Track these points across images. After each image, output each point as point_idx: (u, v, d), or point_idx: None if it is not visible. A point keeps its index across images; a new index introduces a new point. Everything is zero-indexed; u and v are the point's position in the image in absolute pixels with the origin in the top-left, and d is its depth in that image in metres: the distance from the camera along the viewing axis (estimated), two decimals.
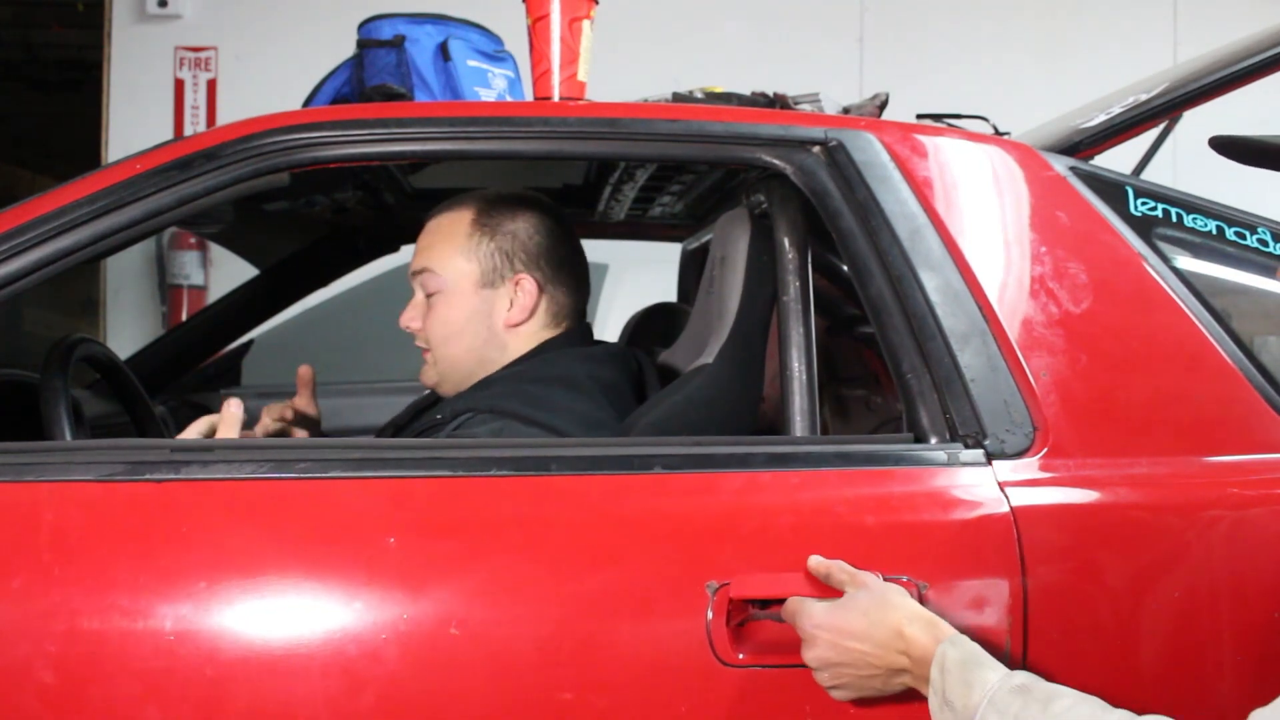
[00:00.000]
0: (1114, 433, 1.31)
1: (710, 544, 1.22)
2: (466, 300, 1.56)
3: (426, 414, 1.59)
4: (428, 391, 1.75)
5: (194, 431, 1.45)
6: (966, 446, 1.27)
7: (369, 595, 1.17)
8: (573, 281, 1.62)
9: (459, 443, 1.33)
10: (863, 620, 1.10)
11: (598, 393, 1.53)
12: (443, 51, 1.72)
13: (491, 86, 1.77)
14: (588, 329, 1.67)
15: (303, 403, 1.67)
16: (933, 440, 1.28)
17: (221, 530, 1.20)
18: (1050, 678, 1.07)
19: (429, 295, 1.58)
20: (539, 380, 1.51)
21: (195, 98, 4.15)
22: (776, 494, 1.25)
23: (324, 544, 1.20)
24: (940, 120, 1.63)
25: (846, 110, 1.62)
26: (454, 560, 1.20)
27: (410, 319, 1.60)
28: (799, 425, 1.37)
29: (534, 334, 1.58)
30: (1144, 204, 1.46)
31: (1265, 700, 1.01)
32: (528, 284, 1.57)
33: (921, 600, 1.17)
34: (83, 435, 1.68)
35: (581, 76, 1.61)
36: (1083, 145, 1.58)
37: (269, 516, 1.22)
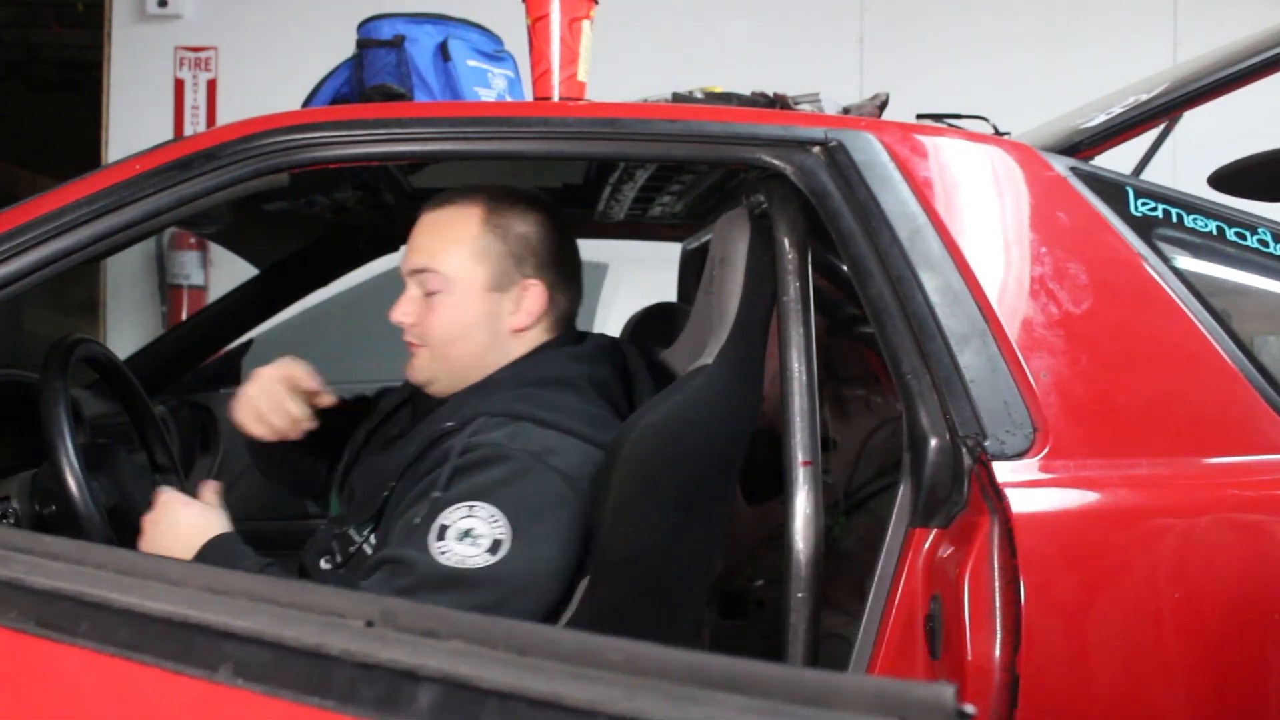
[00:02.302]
0: (1114, 433, 1.31)
1: None
2: (475, 303, 1.52)
3: (426, 423, 1.54)
4: (395, 392, 1.73)
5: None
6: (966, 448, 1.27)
7: None
8: (575, 285, 1.61)
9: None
10: None
11: (593, 391, 1.52)
12: (442, 51, 1.72)
13: (491, 86, 1.77)
14: (574, 325, 1.65)
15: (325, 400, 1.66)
16: (933, 441, 1.28)
17: None
18: (1046, 680, 1.07)
19: (430, 293, 1.53)
20: (539, 383, 1.50)
21: (195, 98, 4.15)
22: None
23: None
24: (940, 120, 1.63)
25: (846, 110, 1.62)
26: None
27: (404, 314, 1.54)
28: (799, 426, 1.37)
29: (534, 339, 1.56)
30: (1144, 204, 1.46)
31: (1265, 700, 1.00)
32: (537, 289, 1.54)
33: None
34: (83, 435, 1.68)
35: (581, 76, 1.61)
36: (1083, 145, 1.59)
37: None
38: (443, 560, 1.30)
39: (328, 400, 1.65)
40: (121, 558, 0.81)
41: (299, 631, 0.67)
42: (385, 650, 0.65)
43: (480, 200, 1.55)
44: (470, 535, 1.32)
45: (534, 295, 1.54)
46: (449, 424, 1.47)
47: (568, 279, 1.59)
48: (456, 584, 1.30)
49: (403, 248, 2.49)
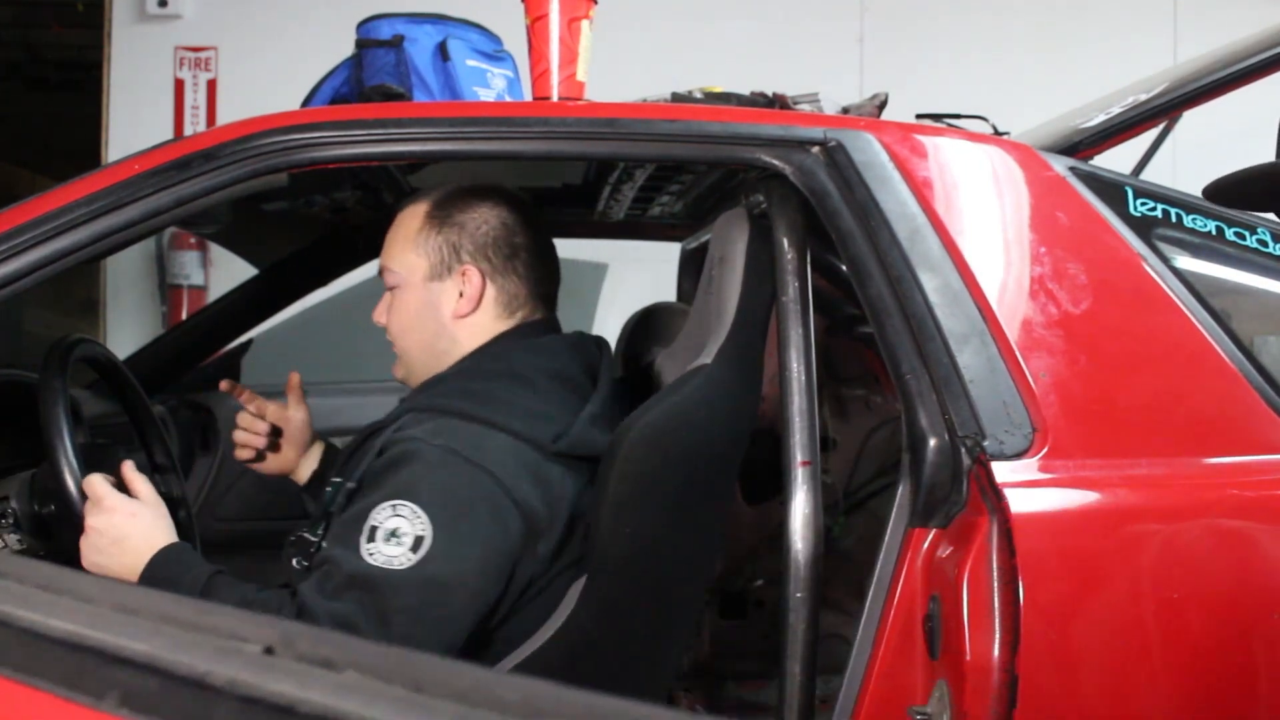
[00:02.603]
0: (1113, 434, 1.30)
1: None
2: (417, 293, 1.57)
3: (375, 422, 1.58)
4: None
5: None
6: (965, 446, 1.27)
7: None
8: (527, 271, 1.59)
9: None
10: None
11: (545, 385, 1.51)
12: (441, 51, 1.72)
13: (490, 86, 1.76)
14: (549, 320, 1.64)
15: (285, 410, 1.75)
16: (932, 442, 1.28)
17: None
18: (1045, 681, 1.07)
19: (390, 290, 1.60)
20: (483, 375, 1.51)
21: (195, 98, 4.14)
22: None
23: None
24: (940, 120, 1.63)
25: (846, 110, 1.62)
26: None
27: (378, 314, 1.62)
28: (798, 426, 1.37)
29: (485, 325, 1.57)
30: (1144, 204, 1.46)
31: (1264, 702, 1.00)
32: (472, 274, 1.55)
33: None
34: (83, 435, 1.68)
35: (580, 76, 1.61)
36: (1083, 145, 1.58)
37: None
38: (370, 561, 1.32)
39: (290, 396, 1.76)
40: (41, 571, 0.79)
41: (191, 658, 0.62)
42: (273, 682, 0.60)
43: (429, 196, 1.61)
44: (396, 535, 1.33)
45: (471, 281, 1.56)
46: (379, 421, 1.50)
47: (518, 264, 1.58)
48: (380, 585, 1.31)
49: None
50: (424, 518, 1.33)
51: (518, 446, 1.41)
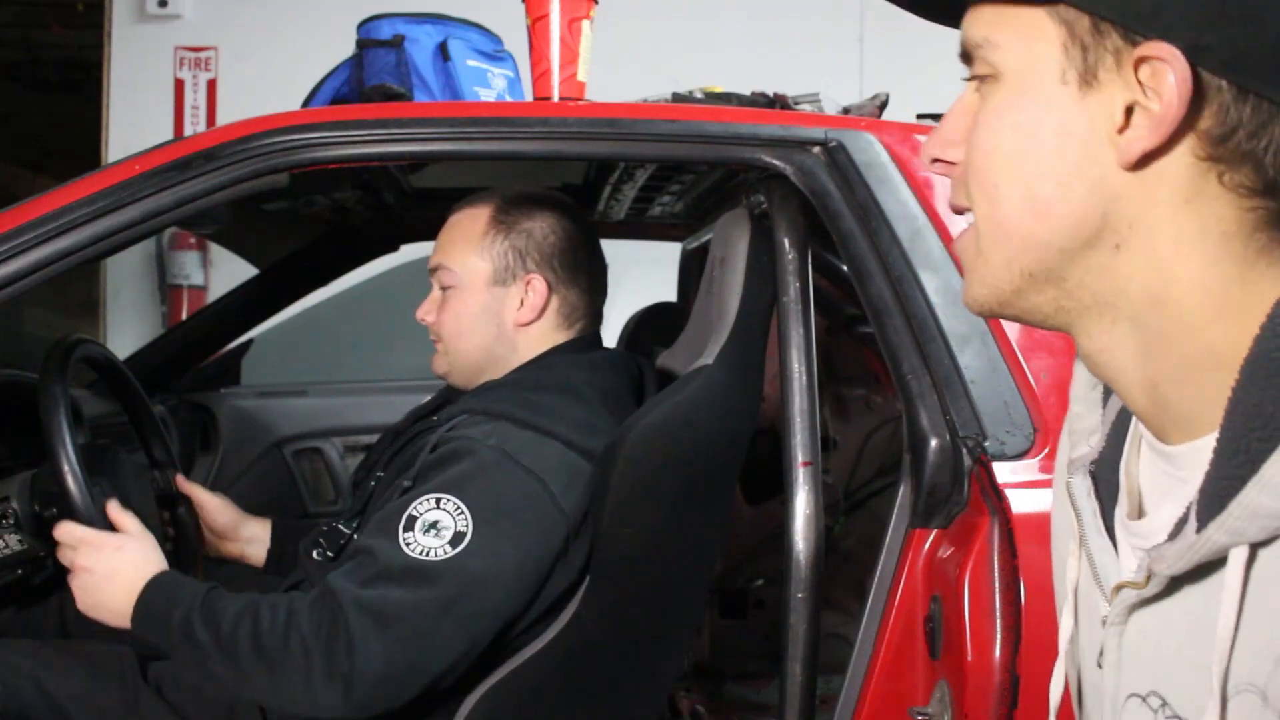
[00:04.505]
0: None
1: None
2: (478, 297, 1.57)
3: (423, 420, 1.60)
4: (428, 399, 1.76)
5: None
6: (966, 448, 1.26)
7: None
8: (587, 283, 1.62)
9: None
10: None
11: (596, 399, 1.53)
12: (442, 51, 1.72)
13: (491, 86, 1.77)
14: (597, 334, 1.67)
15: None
16: (934, 442, 1.28)
17: None
18: (1046, 682, 1.06)
19: (444, 289, 1.59)
20: (538, 387, 1.52)
21: (195, 98, 4.14)
22: None
23: None
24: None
25: (846, 110, 1.62)
26: None
27: (425, 313, 1.61)
28: (799, 426, 1.37)
29: (544, 335, 1.59)
30: None
31: None
32: (538, 284, 1.57)
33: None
34: (83, 435, 1.68)
35: (581, 76, 1.61)
36: None
37: None
38: (407, 551, 1.33)
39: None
40: None
41: None
42: None
43: (493, 199, 1.60)
44: (436, 527, 1.34)
45: (536, 290, 1.57)
46: (433, 419, 1.51)
47: (579, 276, 1.61)
48: (416, 576, 1.32)
49: (403, 247, 2.52)
50: (467, 514, 1.35)
51: (568, 454, 1.43)
